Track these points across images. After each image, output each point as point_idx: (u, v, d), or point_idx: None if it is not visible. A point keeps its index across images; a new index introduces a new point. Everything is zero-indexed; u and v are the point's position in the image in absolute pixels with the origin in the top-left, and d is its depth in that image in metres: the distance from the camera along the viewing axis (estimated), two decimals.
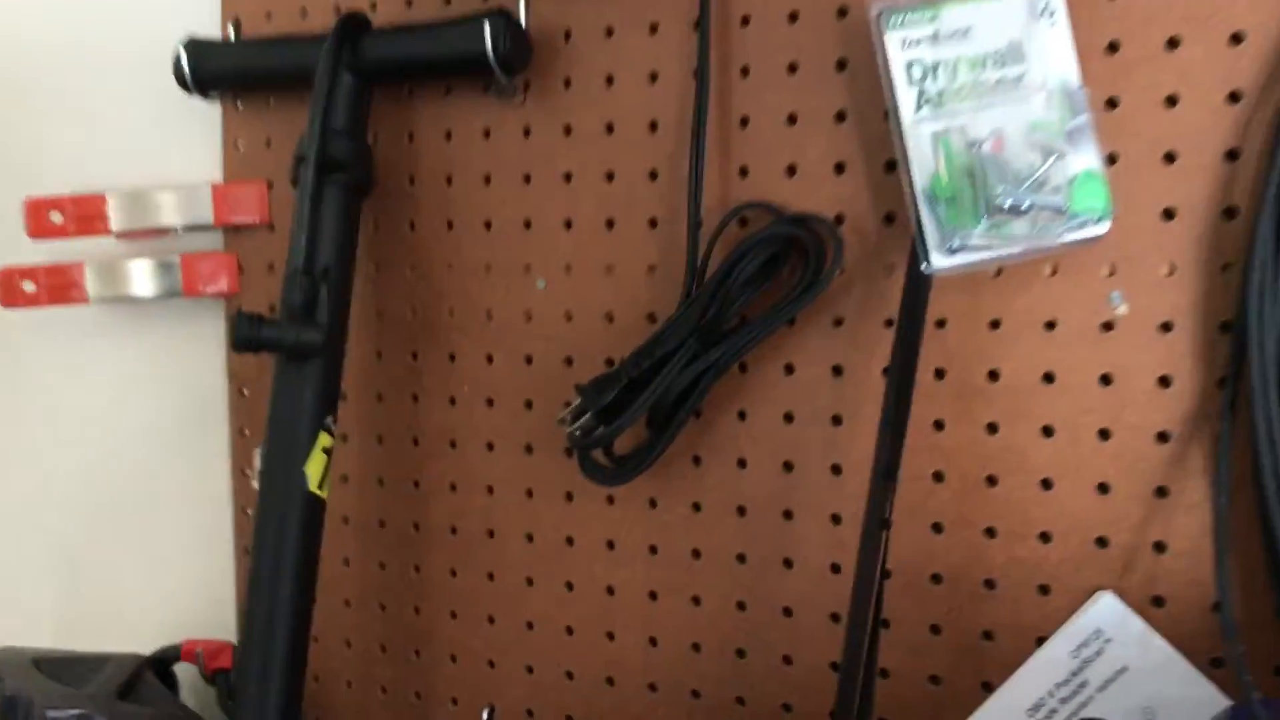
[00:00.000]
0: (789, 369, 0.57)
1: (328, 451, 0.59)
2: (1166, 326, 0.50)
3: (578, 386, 0.56)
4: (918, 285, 0.52)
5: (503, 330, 0.64)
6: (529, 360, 0.63)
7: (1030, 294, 0.52)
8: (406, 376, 0.68)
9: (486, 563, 0.66)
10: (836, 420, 0.56)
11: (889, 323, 0.55)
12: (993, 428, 0.53)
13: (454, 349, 0.66)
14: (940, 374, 0.54)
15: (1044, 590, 0.53)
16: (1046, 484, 0.53)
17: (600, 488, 0.62)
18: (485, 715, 0.67)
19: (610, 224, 0.61)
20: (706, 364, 0.55)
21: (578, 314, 0.62)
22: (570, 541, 0.63)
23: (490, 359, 0.65)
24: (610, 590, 0.63)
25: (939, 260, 0.50)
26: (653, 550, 0.61)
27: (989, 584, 0.54)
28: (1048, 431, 0.52)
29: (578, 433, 0.56)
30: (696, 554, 0.60)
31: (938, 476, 0.54)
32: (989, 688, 0.54)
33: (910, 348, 0.53)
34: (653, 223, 0.60)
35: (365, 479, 0.70)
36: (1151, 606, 0.51)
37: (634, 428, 0.56)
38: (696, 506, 0.60)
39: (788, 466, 0.57)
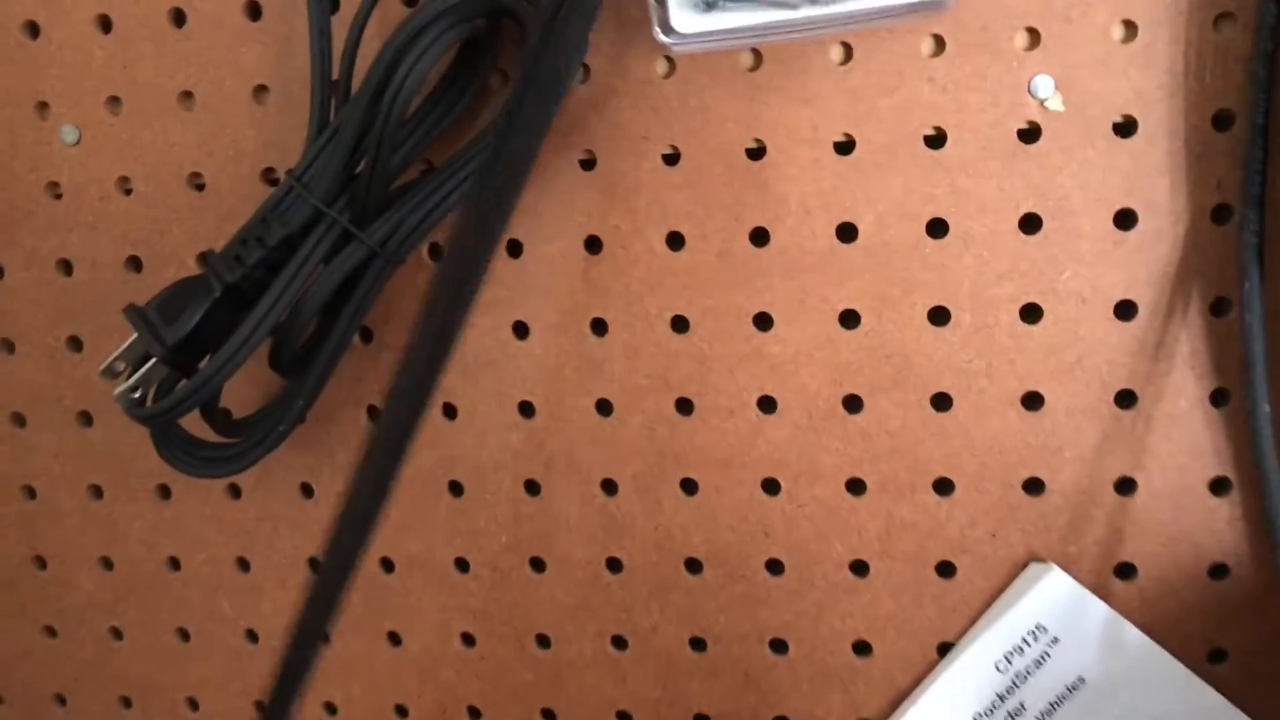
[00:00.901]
0: (515, 249, 0.36)
1: None
2: (1126, 126, 0.31)
3: (130, 312, 0.33)
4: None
5: (11, 224, 0.39)
6: (66, 268, 0.38)
7: (900, 91, 0.32)
8: None
9: (38, 610, 0.41)
10: (599, 327, 0.35)
11: (670, 159, 0.34)
12: (850, 317, 0.34)
13: None
14: (762, 237, 0.34)
15: (945, 569, 0.34)
16: (941, 401, 0.34)
17: (206, 478, 0.39)
18: None
19: (179, 18, 0.36)
20: (365, 249, 0.32)
21: (141, 181, 0.37)
22: (175, 564, 0.40)
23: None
24: (252, 636, 0.40)
25: (684, 21, 0.30)
26: (313, 566, 0.39)
27: (858, 568, 0.35)
28: (939, 316, 0.33)
29: (136, 393, 0.32)
30: (388, 565, 0.39)
31: (766, 404, 0.35)
32: None
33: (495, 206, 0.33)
34: (253, 9, 0.36)
35: None
36: (1116, 579, 0.34)
37: (250, 372, 0.33)
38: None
39: (526, 409, 0.36)
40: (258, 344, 0.32)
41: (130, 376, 0.33)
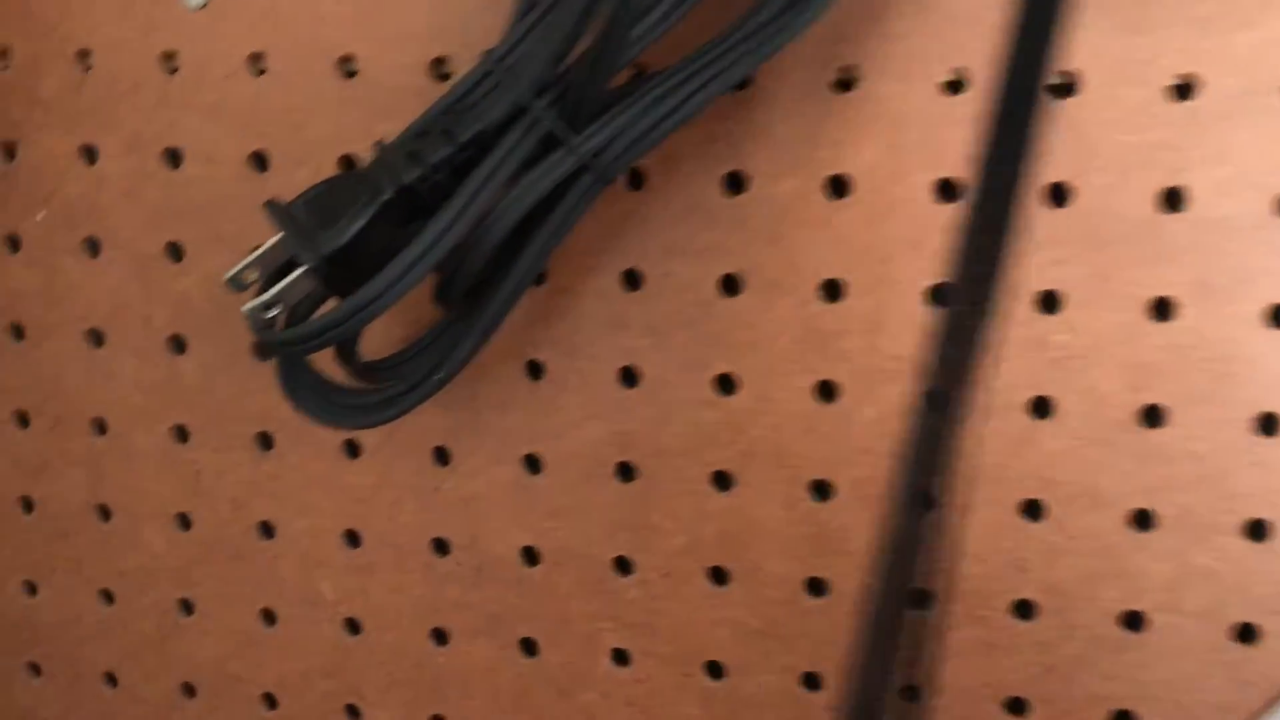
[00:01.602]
0: (734, 182, 0.29)
1: None
2: None
3: (275, 208, 0.26)
4: None
5: (111, 99, 0.32)
6: (173, 159, 0.32)
7: (1264, 26, 0.26)
8: None
9: (95, 569, 0.36)
10: (831, 292, 0.29)
11: (954, 85, 0.27)
12: (1162, 307, 0.27)
13: None
14: (1062, 196, 0.27)
15: (1246, 634, 0.28)
16: (1269, 425, 0.27)
17: (330, 429, 0.32)
18: None
19: None
20: (574, 160, 0.25)
21: (278, 59, 0.31)
22: (268, 531, 0.34)
23: (89, 154, 0.33)
24: (354, 627, 0.34)
25: None
26: (440, 549, 0.33)
27: (1132, 621, 0.28)
28: None
29: (272, 310, 0.26)
30: (531, 556, 0.32)
31: (1041, 406, 0.28)
32: None
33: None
34: None
35: None
36: None
37: (408, 303, 0.26)
38: (533, 462, 0.32)
39: (726, 384, 0.30)
40: (433, 263, 0.26)
41: (267, 289, 0.27)
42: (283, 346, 0.27)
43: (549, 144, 0.27)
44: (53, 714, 0.38)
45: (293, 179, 0.32)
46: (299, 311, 0.28)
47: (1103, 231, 0.28)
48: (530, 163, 0.27)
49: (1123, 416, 0.28)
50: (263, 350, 0.32)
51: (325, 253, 0.26)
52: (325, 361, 0.29)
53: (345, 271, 0.27)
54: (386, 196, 0.26)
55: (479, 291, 0.29)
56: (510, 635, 0.34)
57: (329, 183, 0.28)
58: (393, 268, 0.26)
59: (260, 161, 0.32)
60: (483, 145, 0.27)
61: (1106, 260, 0.28)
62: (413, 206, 0.27)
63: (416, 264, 0.26)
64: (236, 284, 0.28)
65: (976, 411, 0.30)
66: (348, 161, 0.32)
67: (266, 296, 0.26)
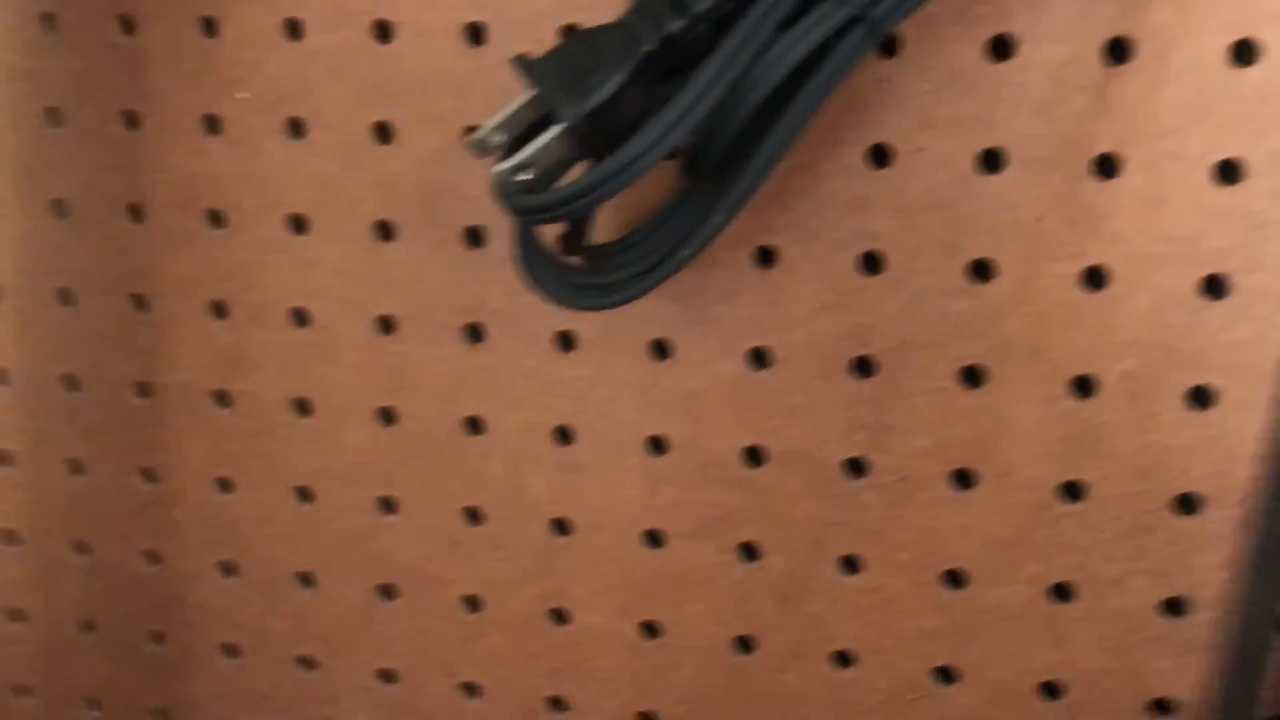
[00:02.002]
0: (998, 48, 0.27)
1: None
2: None
3: (524, 65, 0.25)
4: None
5: None
6: (382, 31, 0.30)
7: None
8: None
9: (293, 467, 0.35)
10: (1105, 168, 0.27)
11: None
12: None
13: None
14: None
15: None
16: None
17: (556, 311, 0.29)
18: None
19: None
20: (844, 12, 0.23)
21: None
22: (475, 427, 0.33)
23: (293, 28, 0.31)
24: (563, 527, 0.33)
25: None
26: (657, 447, 0.32)
27: None
28: None
29: (525, 173, 0.24)
30: (755, 457, 0.31)
31: None
32: None
33: None
34: None
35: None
36: None
37: (650, 178, 0.24)
38: (761, 357, 0.30)
39: (982, 271, 0.28)
40: (695, 122, 0.24)
41: (512, 153, 0.25)
42: (543, 211, 0.25)
43: None
44: (248, 614, 0.38)
45: (511, 51, 0.30)
46: (540, 182, 0.27)
47: None
48: (797, 14, 0.26)
49: None
50: (514, 214, 0.28)
51: (588, 109, 0.25)
52: None
53: (599, 133, 0.26)
54: (649, 48, 0.25)
55: (729, 159, 0.28)
56: (730, 539, 0.32)
57: (581, 36, 0.26)
58: (653, 127, 0.25)
59: (476, 33, 0.31)
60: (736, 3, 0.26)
61: None
62: (665, 65, 0.27)
63: (677, 123, 0.25)
64: (482, 146, 0.26)
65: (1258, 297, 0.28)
66: (571, 30, 0.30)
67: (522, 157, 0.25)
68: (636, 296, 0.28)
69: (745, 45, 0.25)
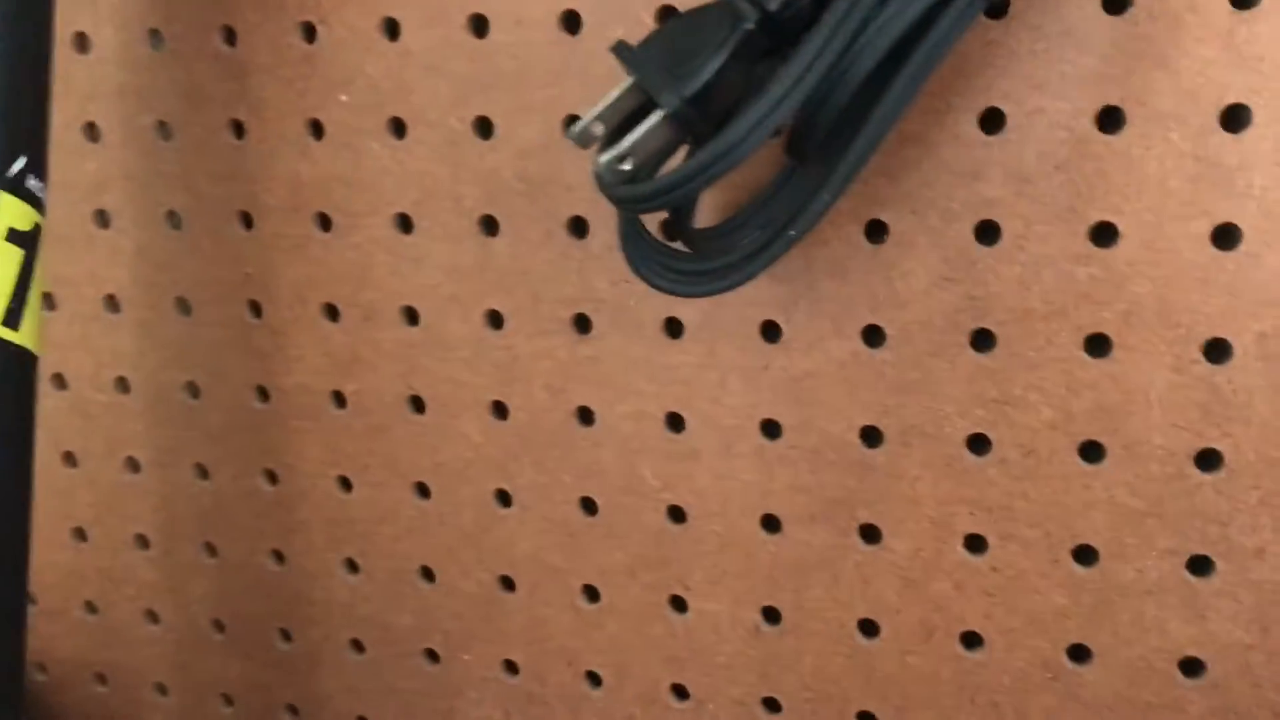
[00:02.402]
0: (1113, 1, 0.26)
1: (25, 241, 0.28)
2: None
3: (621, 51, 0.25)
4: None
5: None
6: (478, 25, 0.31)
7: None
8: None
9: (411, 462, 0.35)
10: (1234, 121, 0.26)
11: None
12: None
13: None
14: None
15: None
16: None
17: (662, 298, 0.31)
18: None
19: None
20: None
21: None
22: (587, 417, 0.33)
23: (390, 28, 0.31)
24: (678, 515, 0.33)
25: None
26: (770, 431, 0.31)
27: None
28: None
29: (627, 165, 0.24)
30: (872, 437, 0.30)
31: None
32: None
33: None
34: None
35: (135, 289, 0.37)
36: None
37: (754, 158, 0.24)
38: (875, 334, 0.30)
39: (1104, 235, 0.27)
40: (801, 99, 0.24)
41: (618, 141, 0.25)
42: (647, 200, 0.25)
43: None
44: (371, 609, 0.38)
45: (608, 38, 0.29)
46: (642, 170, 0.27)
47: None
48: None
49: None
50: (614, 201, 0.27)
51: (688, 94, 0.24)
52: None
53: (701, 117, 0.26)
54: (749, 25, 0.24)
55: (834, 135, 0.27)
56: (850, 521, 0.32)
57: (680, 19, 0.26)
58: (755, 108, 0.24)
59: (572, 21, 0.31)
60: None
61: None
62: (766, 44, 0.26)
63: (781, 103, 0.24)
64: (583, 138, 0.26)
65: None
66: (668, 13, 0.29)
67: (623, 147, 0.25)
68: (744, 281, 0.27)
69: (849, 17, 0.24)
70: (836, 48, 0.24)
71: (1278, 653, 0.29)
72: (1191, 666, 0.30)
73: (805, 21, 0.25)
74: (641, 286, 0.30)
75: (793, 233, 0.27)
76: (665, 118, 0.25)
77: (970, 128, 0.28)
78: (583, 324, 0.33)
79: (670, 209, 0.28)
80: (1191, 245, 0.27)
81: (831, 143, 0.27)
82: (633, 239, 0.28)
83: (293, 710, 0.41)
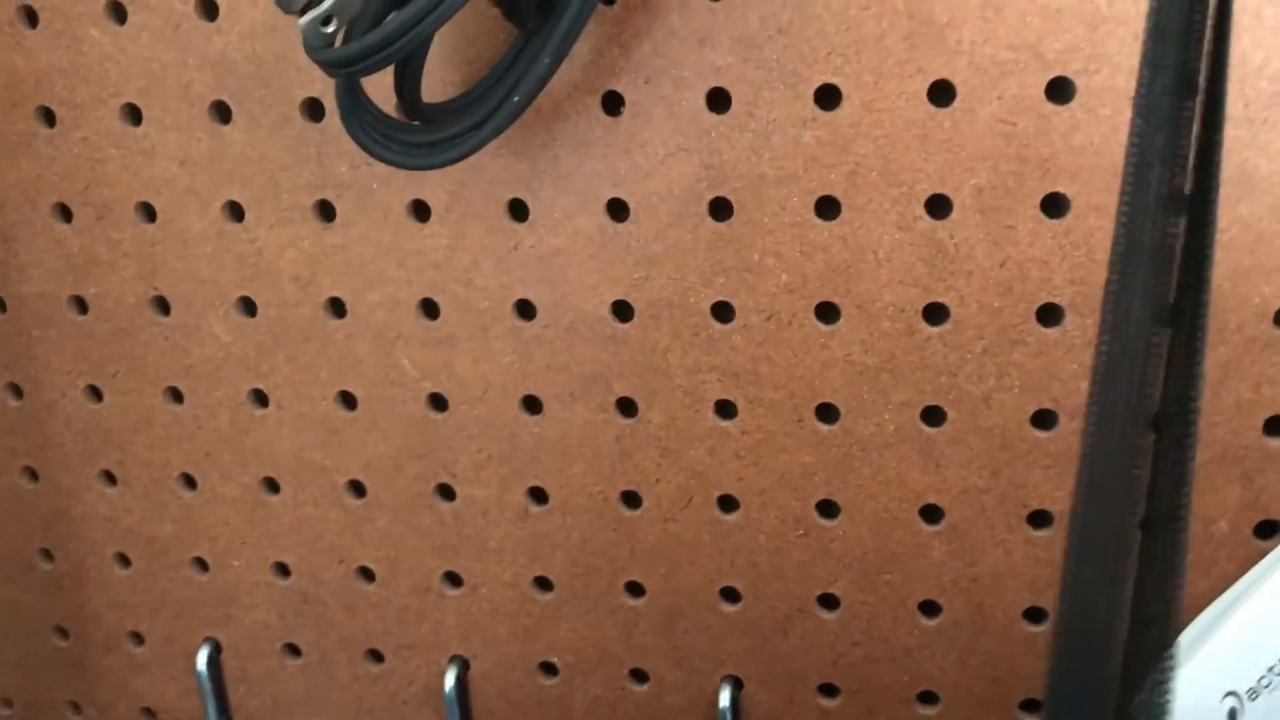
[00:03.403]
0: None
1: None
2: None
3: None
4: None
5: None
6: None
7: None
8: None
9: (161, 370, 0.34)
10: None
11: None
12: None
13: None
14: None
15: None
16: None
17: (406, 180, 0.30)
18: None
19: None
20: None
21: None
22: (338, 309, 0.32)
23: None
24: (439, 403, 0.33)
25: None
26: (524, 312, 0.31)
27: None
28: None
29: (329, 25, 0.22)
30: (623, 311, 0.30)
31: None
32: None
33: None
34: None
35: None
36: None
37: (470, 39, 0.26)
38: (619, 208, 0.30)
39: (828, 97, 0.28)
40: None
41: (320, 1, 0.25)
42: (340, 65, 0.24)
43: None
44: (134, 521, 0.37)
45: None
46: (352, 36, 0.26)
47: None
48: None
49: None
50: (327, 69, 0.26)
51: None
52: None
53: None
54: None
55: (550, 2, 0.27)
56: (607, 396, 0.32)
57: None
58: None
59: None
60: None
61: None
62: None
63: None
64: (287, 3, 0.26)
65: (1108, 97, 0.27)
66: None
67: (323, 8, 0.24)
68: (471, 151, 0.27)
69: None
70: None
71: (1007, 495, 0.31)
72: (931, 513, 0.32)
73: None
74: (383, 169, 0.29)
75: (516, 99, 0.27)
76: None
77: None
78: (326, 211, 0.32)
79: (388, 72, 0.27)
80: (910, 104, 0.28)
81: (548, 5, 0.27)
82: (354, 110, 0.27)
83: (61, 631, 0.39)
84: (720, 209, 0.30)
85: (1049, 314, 0.29)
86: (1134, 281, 0.21)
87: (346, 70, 0.25)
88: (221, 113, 0.31)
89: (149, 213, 0.33)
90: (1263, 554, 0.30)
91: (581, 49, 0.29)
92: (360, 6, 0.24)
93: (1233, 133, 0.27)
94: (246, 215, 0.32)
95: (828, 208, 0.29)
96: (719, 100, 0.29)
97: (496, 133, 0.27)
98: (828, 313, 0.30)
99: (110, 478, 0.36)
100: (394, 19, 0.23)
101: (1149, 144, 0.20)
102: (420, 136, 0.27)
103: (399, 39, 0.24)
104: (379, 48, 0.24)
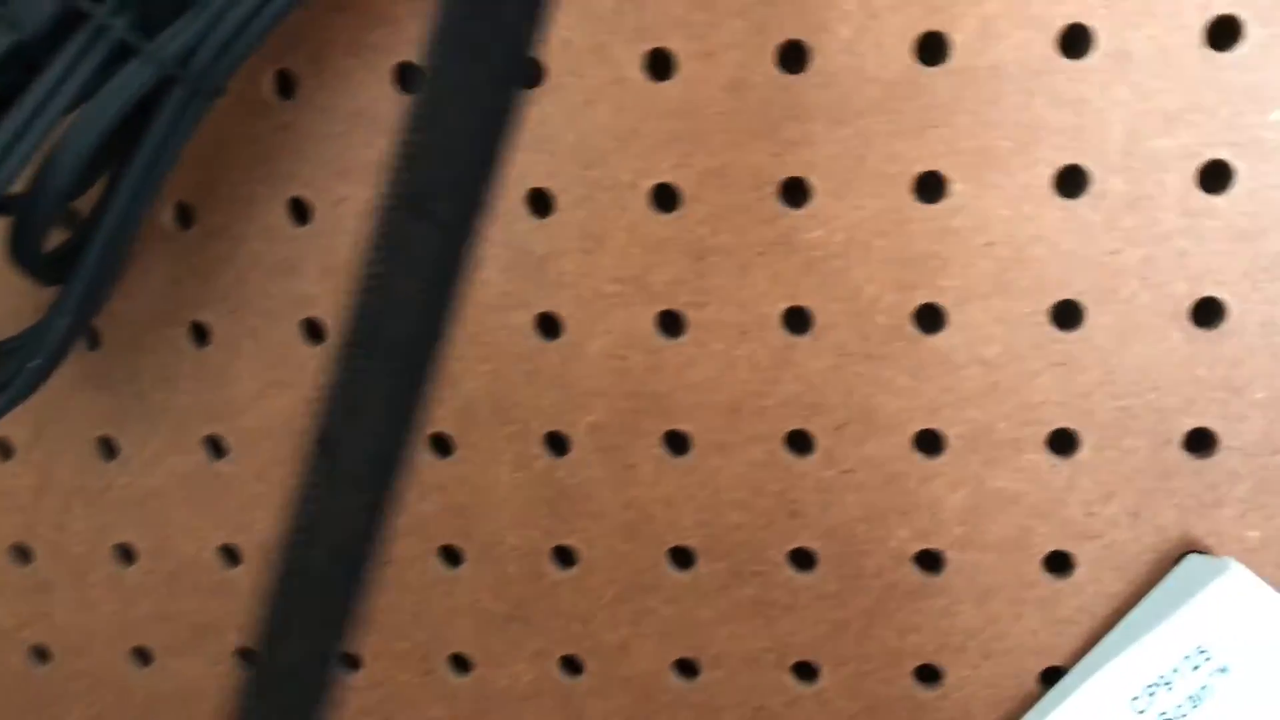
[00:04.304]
0: (403, 77, 0.24)
1: None
2: None
3: None
4: None
5: None
6: None
7: None
8: None
9: None
10: (540, 206, 0.24)
11: None
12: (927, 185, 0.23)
13: None
14: None
15: (1058, 563, 0.24)
16: (1067, 315, 0.23)
17: None
18: None
19: None
20: (152, 70, 0.20)
21: None
22: None
23: None
24: (41, 655, 0.29)
25: None
26: (125, 556, 0.28)
27: (928, 562, 0.25)
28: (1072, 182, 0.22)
29: None
30: (232, 555, 0.27)
31: (796, 321, 0.24)
32: None
33: None
34: None
35: None
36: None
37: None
38: (216, 445, 0.26)
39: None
40: None
41: None
42: None
43: (123, 53, 0.23)
44: None
45: None
46: None
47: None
48: (101, 78, 0.23)
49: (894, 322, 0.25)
50: None
51: None
52: None
53: None
54: None
55: (72, 251, 0.24)
56: (223, 648, 0.29)
57: None
58: None
59: None
60: (30, 60, 0.21)
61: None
62: None
63: None
64: None
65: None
66: None
67: None
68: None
69: (34, 120, 0.21)
70: (20, 157, 0.22)
71: None
72: None
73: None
74: None
75: (35, 363, 0.24)
76: None
77: (281, 219, 0.26)
78: None
79: None
80: (517, 337, 0.25)
81: (66, 259, 0.24)
82: None
83: None
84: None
85: (681, 558, 0.26)
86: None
87: None
88: None
89: None
90: None
91: (168, 272, 0.27)
92: None
93: (854, 369, 0.25)
94: None
95: (441, 445, 0.26)
96: (314, 330, 0.26)
97: (16, 402, 0.23)
98: (452, 556, 0.27)
99: None
100: None
101: None
102: None
103: None
104: None
